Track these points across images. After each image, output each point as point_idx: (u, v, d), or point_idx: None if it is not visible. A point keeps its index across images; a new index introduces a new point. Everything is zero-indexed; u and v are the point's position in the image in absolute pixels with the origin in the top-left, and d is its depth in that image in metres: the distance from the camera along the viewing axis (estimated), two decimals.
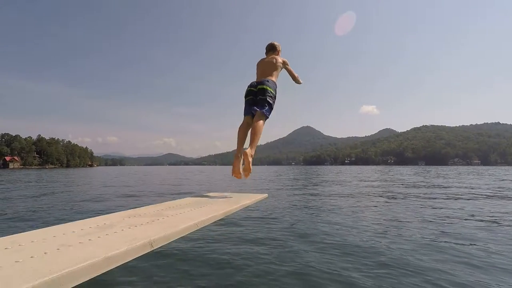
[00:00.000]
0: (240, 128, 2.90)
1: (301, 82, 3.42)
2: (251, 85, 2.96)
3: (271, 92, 2.84)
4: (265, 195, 2.88)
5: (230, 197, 2.73)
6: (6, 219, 6.71)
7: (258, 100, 2.85)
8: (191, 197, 2.82)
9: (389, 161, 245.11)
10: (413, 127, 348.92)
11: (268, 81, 2.90)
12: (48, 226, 1.53)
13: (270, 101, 2.83)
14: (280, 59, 3.14)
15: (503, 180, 21.74)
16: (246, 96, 2.95)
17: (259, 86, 2.87)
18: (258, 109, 2.77)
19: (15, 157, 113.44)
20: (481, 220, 6.35)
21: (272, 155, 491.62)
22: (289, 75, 3.33)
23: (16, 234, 1.36)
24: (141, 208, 2.34)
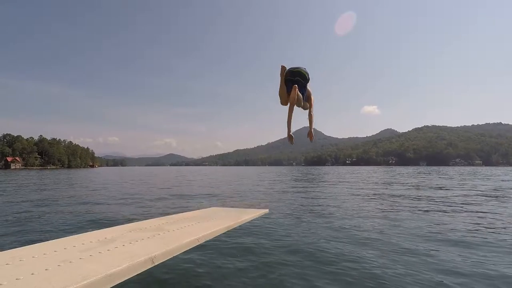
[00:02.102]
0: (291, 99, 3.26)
1: (312, 112, 3.66)
2: (293, 67, 3.39)
3: (307, 77, 3.36)
4: (266, 210, 2.89)
5: (231, 212, 2.72)
6: (8, 226, 6.69)
7: (296, 81, 3.29)
8: (193, 211, 2.81)
9: (390, 162, 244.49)
10: (414, 127, 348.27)
11: (305, 68, 3.42)
12: (50, 234, 1.56)
13: (307, 87, 3.41)
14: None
15: (503, 180, 21.64)
16: (286, 76, 3.36)
17: (298, 69, 3.35)
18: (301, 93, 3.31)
19: (17, 158, 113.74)
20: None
21: (273, 156, 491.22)
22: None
23: (17, 249, 1.35)
24: (142, 221, 2.32)
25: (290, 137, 3.28)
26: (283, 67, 3.35)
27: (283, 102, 3.30)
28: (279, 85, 3.27)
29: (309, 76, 3.33)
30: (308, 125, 3.58)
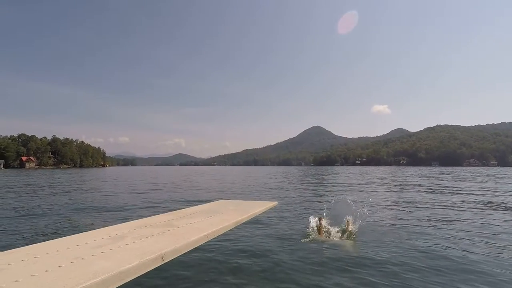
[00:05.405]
0: None
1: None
2: None
3: None
4: (275, 202, 2.82)
5: (240, 205, 2.66)
6: (23, 223, 6.79)
7: None
8: (201, 204, 2.76)
9: (401, 162, 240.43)
10: (426, 127, 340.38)
11: None
12: (62, 231, 1.57)
13: None
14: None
15: None
16: None
17: None
18: None
19: (31, 157, 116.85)
20: None
21: (282, 156, 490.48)
22: None
23: (31, 245, 1.40)
24: (152, 217, 2.28)
25: None
26: (320, 219, 5.23)
27: None
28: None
29: None
30: None
